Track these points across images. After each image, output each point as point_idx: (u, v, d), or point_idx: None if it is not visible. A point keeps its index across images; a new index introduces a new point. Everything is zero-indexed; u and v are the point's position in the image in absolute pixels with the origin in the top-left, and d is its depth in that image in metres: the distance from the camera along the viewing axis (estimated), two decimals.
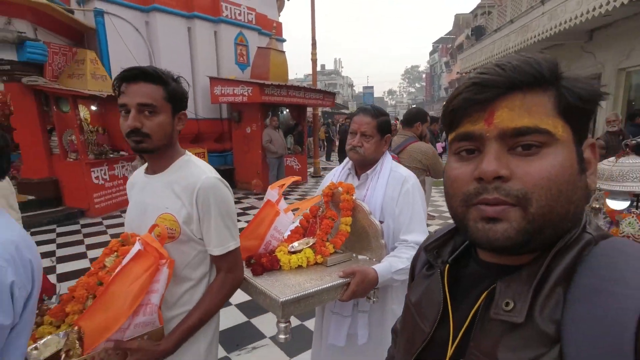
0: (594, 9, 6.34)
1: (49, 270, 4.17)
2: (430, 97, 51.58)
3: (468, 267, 0.58)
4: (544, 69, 0.46)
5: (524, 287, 0.46)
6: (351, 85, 64.97)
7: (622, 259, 0.43)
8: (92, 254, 4.77)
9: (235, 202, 3.41)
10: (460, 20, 31.34)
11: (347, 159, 1.73)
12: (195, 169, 1.17)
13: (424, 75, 69.28)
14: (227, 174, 8.50)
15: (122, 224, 5.65)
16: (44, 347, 0.97)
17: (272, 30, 9.14)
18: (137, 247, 1.04)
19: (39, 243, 5.13)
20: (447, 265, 0.58)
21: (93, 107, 6.83)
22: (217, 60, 8.96)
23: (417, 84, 77.76)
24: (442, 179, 1.19)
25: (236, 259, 1.21)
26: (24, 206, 6.23)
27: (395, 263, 1.36)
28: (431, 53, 51.24)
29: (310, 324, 3.01)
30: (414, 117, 3.05)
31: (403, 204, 1.51)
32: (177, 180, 1.14)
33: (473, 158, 0.49)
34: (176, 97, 1.14)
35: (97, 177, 6.47)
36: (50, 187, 6.51)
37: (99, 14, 7.09)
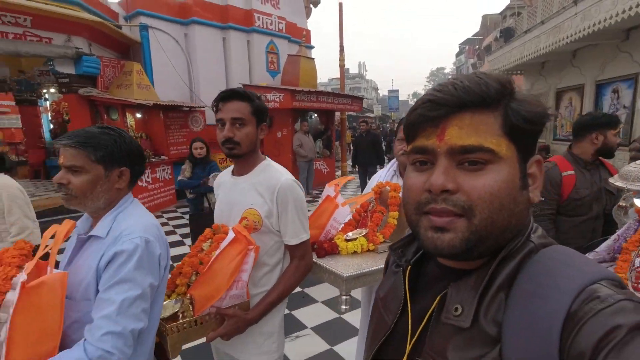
0: (630, 9, 6.23)
1: None
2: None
3: (428, 267, 0.61)
4: (491, 90, 0.48)
5: (470, 293, 0.49)
6: (376, 89, 64.81)
7: (557, 266, 0.46)
8: None
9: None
10: (487, 21, 30.78)
11: (392, 162, 1.95)
12: (275, 172, 1.40)
13: (449, 77, 68.11)
14: None
15: (162, 224, 6.06)
16: (163, 309, 1.23)
17: (301, 38, 9.46)
18: (231, 234, 1.29)
19: None
20: (410, 265, 0.62)
21: (138, 115, 7.36)
22: (250, 68, 9.38)
23: None
24: None
25: (307, 248, 1.44)
26: None
27: None
28: (457, 54, 50.43)
29: (349, 317, 3.22)
30: None
31: None
32: (260, 181, 1.38)
33: (426, 169, 0.52)
34: (260, 112, 1.38)
35: (140, 180, 6.96)
36: None
37: (144, 28, 7.64)
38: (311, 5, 12.28)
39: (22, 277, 0.96)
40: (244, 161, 1.42)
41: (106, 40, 7.07)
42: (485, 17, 31.91)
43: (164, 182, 7.56)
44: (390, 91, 31.67)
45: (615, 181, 1.67)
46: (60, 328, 0.95)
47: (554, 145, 11.51)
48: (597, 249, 1.66)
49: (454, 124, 0.48)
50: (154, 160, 7.41)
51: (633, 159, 3.72)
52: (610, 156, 2.08)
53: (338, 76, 10.96)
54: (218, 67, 8.79)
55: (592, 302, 0.41)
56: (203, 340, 1.28)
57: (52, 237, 1.11)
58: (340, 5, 10.23)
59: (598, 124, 1.99)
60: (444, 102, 0.48)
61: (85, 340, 0.94)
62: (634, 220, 1.72)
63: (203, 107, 8.16)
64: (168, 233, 5.93)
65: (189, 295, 1.26)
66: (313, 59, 9.58)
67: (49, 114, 10.29)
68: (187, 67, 8.48)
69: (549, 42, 9.37)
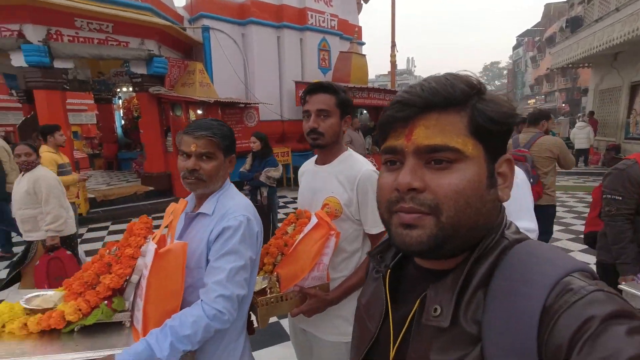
0: None
1: None
2: (512, 95, 47.80)
3: (408, 271, 0.61)
4: (457, 91, 0.49)
5: (448, 293, 0.49)
6: None
7: (532, 262, 0.46)
8: None
9: None
10: (551, 10, 28.56)
11: None
12: (356, 163, 1.47)
13: (504, 72, 64.28)
14: None
15: None
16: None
17: (354, 35, 9.51)
18: (314, 220, 1.42)
19: None
20: (389, 270, 0.61)
21: (199, 112, 7.86)
22: (302, 65, 9.60)
23: (497, 82, 72.48)
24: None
25: None
26: (146, 195, 7.50)
27: None
28: (514, 47, 47.39)
29: None
30: (538, 116, 3.51)
31: (512, 195, 1.72)
32: (342, 171, 1.47)
33: (396, 169, 0.52)
34: (344, 104, 1.44)
35: None
36: (165, 180, 7.67)
37: (206, 29, 8.12)
38: (362, 1, 12.25)
39: (151, 245, 1.15)
40: (327, 151, 1.49)
41: (173, 42, 7.63)
42: (548, 6, 29.65)
43: None
44: None
45: None
46: (182, 290, 1.13)
47: (626, 145, 10.52)
48: None
49: (421, 124, 0.49)
50: None
51: None
52: None
53: (385, 72, 10.87)
54: (272, 65, 9.12)
55: (566, 295, 0.41)
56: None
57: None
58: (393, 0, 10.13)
59: None
60: (412, 103, 0.50)
61: (201, 300, 1.11)
62: None
63: (257, 104, 8.52)
64: None
65: (275, 273, 1.40)
66: (364, 55, 9.59)
67: (121, 111, 11.31)
68: (244, 65, 8.88)
69: (624, 31, 8.59)
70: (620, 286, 1.72)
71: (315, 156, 1.61)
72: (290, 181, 9.03)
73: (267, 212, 4.42)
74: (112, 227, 6.05)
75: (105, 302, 1.10)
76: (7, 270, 3.62)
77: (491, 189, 0.51)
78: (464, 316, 0.48)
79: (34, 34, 5.64)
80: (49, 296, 1.15)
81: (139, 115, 9.98)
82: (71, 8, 5.66)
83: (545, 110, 3.81)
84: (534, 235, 1.66)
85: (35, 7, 5.48)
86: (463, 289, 0.49)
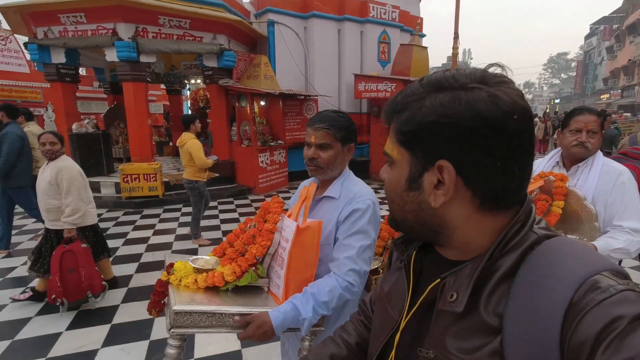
0: None
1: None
2: (580, 89, 43.87)
3: (430, 260, 0.63)
4: (390, 106, 0.56)
5: (466, 280, 0.51)
6: None
7: (559, 258, 0.47)
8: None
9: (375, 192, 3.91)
10: None
11: (553, 152, 1.96)
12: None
13: (573, 65, 58.99)
14: (363, 166, 9.16)
15: None
16: None
17: (416, 27, 9.34)
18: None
19: (227, 211, 6.55)
20: (412, 259, 0.63)
21: (262, 103, 8.22)
22: (361, 58, 9.62)
23: (563, 75, 66.76)
24: None
25: None
26: (212, 182, 8.00)
27: (611, 242, 1.56)
28: (587, 37, 43.31)
29: None
30: None
31: (617, 194, 1.67)
32: None
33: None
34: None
35: (262, 162, 7.80)
36: (229, 167, 8.13)
37: (271, 24, 8.42)
38: None
39: (287, 221, 1.32)
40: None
41: (240, 36, 8.02)
42: None
43: (279, 164, 8.33)
44: None
45: None
46: (316, 262, 1.29)
47: None
48: None
49: (390, 129, 0.57)
50: (272, 144, 8.21)
51: None
52: None
53: (438, 65, 10.51)
54: (332, 58, 9.25)
55: (594, 293, 0.41)
56: None
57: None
58: None
59: None
60: (385, 113, 0.57)
61: (334, 273, 1.26)
62: None
63: (317, 96, 8.70)
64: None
65: (387, 255, 1.53)
66: (426, 47, 9.38)
67: (189, 102, 12.09)
68: (304, 58, 9.10)
69: None
70: None
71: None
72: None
73: None
74: (184, 210, 6.57)
75: (252, 268, 1.29)
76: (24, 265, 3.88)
77: (412, 191, 0.54)
78: (485, 307, 0.48)
79: (125, 31, 6.25)
80: (207, 260, 1.36)
81: (205, 106, 10.64)
82: (158, 7, 6.20)
83: None
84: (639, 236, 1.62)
85: (126, 7, 6.07)
86: (485, 280, 0.50)
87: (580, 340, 0.40)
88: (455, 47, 10.15)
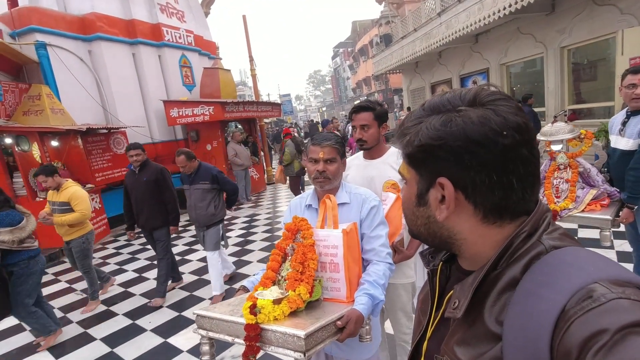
0: (479, 20, 8.38)
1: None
2: (338, 98, 55.03)
3: (453, 270, 0.65)
4: (398, 131, 0.59)
5: (468, 288, 0.54)
6: (267, 95, 65.79)
7: (561, 267, 0.47)
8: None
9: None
10: (357, 27, 34.45)
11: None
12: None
13: (327, 79, 73.25)
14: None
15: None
16: None
17: (215, 52, 9.61)
18: (393, 196, 1.90)
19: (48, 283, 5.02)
20: (439, 269, 0.67)
21: (54, 143, 6.60)
22: (165, 83, 9.12)
23: (322, 87, 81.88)
24: None
25: None
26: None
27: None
28: (333, 57, 54.69)
29: None
30: None
31: None
32: (394, 160, 1.99)
33: None
34: (381, 116, 1.98)
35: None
36: None
37: (41, 46, 6.85)
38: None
39: (322, 232, 1.49)
40: (372, 151, 2.02)
41: None
42: (354, 23, 35.63)
43: (95, 212, 6.93)
44: (282, 95, 32.95)
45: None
46: (360, 258, 1.51)
47: None
48: None
49: None
50: None
51: None
52: None
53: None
54: (132, 84, 8.34)
55: (585, 302, 0.41)
56: None
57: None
58: (244, 17, 10.69)
59: None
60: (396, 137, 0.61)
61: (375, 260, 1.52)
62: (547, 161, 2.88)
63: (125, 128, 7.71)
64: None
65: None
66: (229, 70, 9.82)
67: None
68: (97, 85, 7.85)
69: (422, 46, 11.54)
70: None
71: (357, 154, 2.11)
72: None
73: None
74: None
75: (316, 281, 1.42)
76: None
77: (421, 207, 0.58)
78: (489, 315, 0.50)
79: None
80: (271, 290, 1.38)
81: None
82: None
83: None
84: None
85: None
86: (489, 288, 0.52)
87: (566, 350, 0.40)
88: (252, 69, 11.08)
